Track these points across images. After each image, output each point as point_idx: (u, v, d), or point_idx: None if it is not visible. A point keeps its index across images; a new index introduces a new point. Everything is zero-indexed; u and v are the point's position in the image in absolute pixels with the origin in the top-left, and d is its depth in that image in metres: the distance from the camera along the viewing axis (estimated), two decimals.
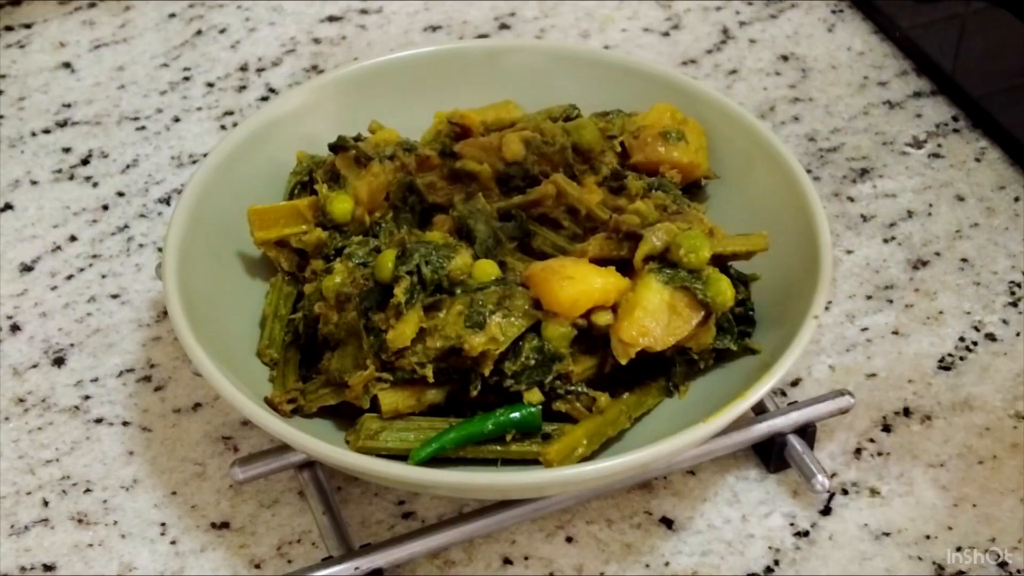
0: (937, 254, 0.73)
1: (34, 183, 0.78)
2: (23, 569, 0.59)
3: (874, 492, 0.62)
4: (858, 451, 0.63)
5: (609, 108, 0.68)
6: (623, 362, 0.58)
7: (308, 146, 0.67)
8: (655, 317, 0.57)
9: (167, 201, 0.77)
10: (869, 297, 0.71)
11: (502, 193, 0.63)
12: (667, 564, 0.59)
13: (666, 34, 0.88)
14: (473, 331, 0.56)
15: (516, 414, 0.57)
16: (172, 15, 0.90)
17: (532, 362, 0.57)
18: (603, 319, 0.57)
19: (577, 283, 0.57)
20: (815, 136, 0.80)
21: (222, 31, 0.89)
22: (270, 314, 0.62)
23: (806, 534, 0.60)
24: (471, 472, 0.57)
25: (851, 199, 0.76)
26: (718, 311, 0.59)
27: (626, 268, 0.59)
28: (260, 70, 0.86)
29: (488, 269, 0.58)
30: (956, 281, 0.71)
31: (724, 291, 0.58)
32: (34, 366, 0.68)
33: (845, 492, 0.62)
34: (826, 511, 0.61)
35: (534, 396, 0.58)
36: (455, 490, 0.58)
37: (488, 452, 0.58)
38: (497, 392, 0.58)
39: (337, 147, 0.65)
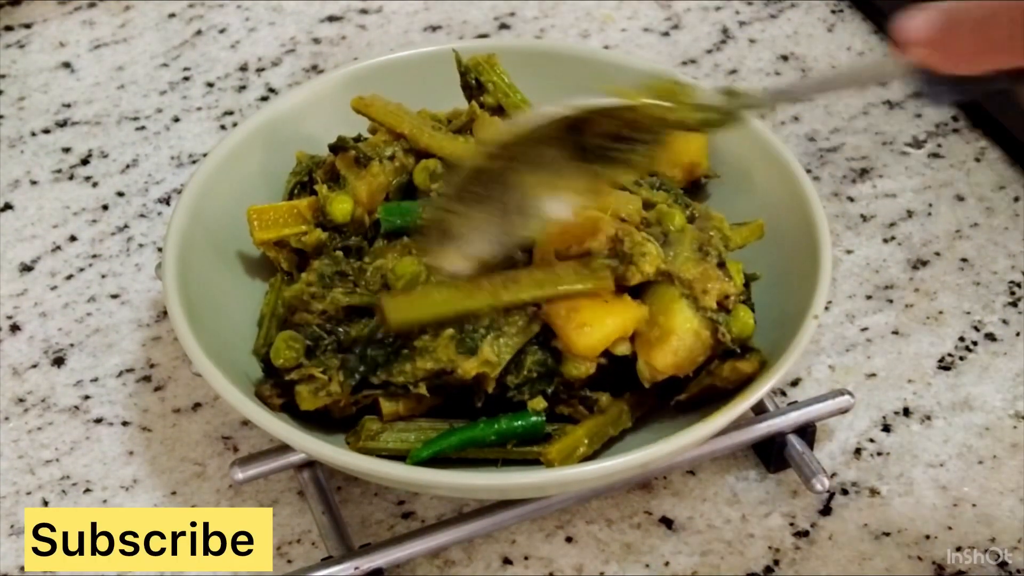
0: (937, 254, 0.73)
1: (34, 183, 0.78)
2: (23, 569, 0.59)
3: (874, 492, 0.62)
4: (858, 451, 0.63)
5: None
6: (647, 386, 0.58)
7: (308, 146, 0.67)
8: (686, 345, 0.57)
9: (167, 201, 0.77)
10: (869, 297, 0.71)
11: None
12: (667, 564, 0.59)
13: (666, 34, 0.88)
14: (465, 356, 0.56)
15: (520, 422, 0.57)
16: (172, 15, 0.90)
17: (535, 374, 0.57)
18: (622, 349, 0.57)
19: (594, 331, 0.56)
20: (815, 136, 0.80)
21: (222, 31, 0.89)
22: (267, 314, 0.62)
23: (806, 534, 0.60)
24: (471, 472, 0.57)
25: (851, 199, 0.76)
26: (740, 342, 0.59)
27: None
28: (260, 70, 0.86)
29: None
30: (956, 281, 0.71)
31: (746, 321, 0.59)
32: (34, 366, 0.68)
33: (845, 492, 0.62)
34: (826, 511, 0.61)
35: (538, 403, 0.57)
36: (455, 490, 0.58)
37: (488, 452, 0.58)
38: (500, 397, 0.58)
39: (337, 147, 0.65)
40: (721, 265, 0.59)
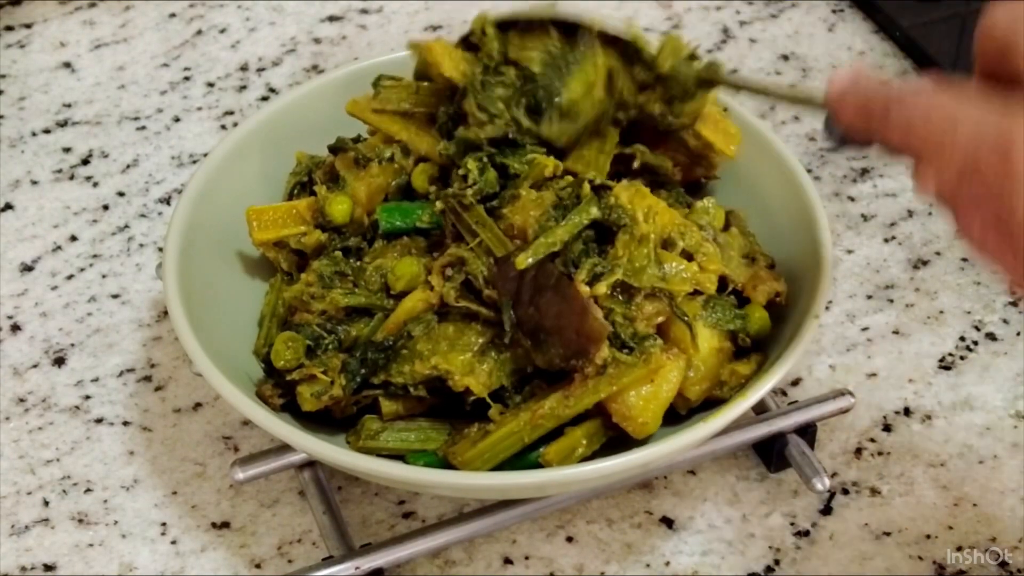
0: (937, 253, 0.73)
1: (34, 183, 0.79)
2: (23, 569, 0.59)
3: (874, 492, 0.62)
4: (858, 451, 0.63)
5: None
6: (683, 413, 0.58)
7: (308, 146, 0.67)
8: (711, 367, 0.57)
9: (167, 201, 0.77)
10: (869, 297, 0.71)
11: None
12: (667, 564, 0.59)
13: (666, 34, 0.88)
14: (460, 373, 0.56)
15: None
16: (172, 15, 0.90)
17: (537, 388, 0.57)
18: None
19: (652, 423, 0.55)
20: (816, 136, 0.80)
21: (222, 31, 0.89)
22: (268, 314, 0.62)
23: (806, 534, 0.60)
24: (471, 472, 0.57)
25: (851, 199, 0.76)
26: (756, 338, 0.59)
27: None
28: (260, 70, 0.86)
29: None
30: (956, 281, 0.71)
31: (763, 322, 0.59)
32: (34, 366, 0.68)
33: (845, 492, 0.62)
34: (826, 511, 0.61)
35: None
36: (455, 490, 0.58)
37: None
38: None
39: (336, 148, 0.64)
40: (772, 267, 0.60)
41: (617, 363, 0.54)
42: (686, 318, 0.57)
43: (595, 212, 0.56)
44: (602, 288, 0.55)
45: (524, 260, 0.55)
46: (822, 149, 0.76)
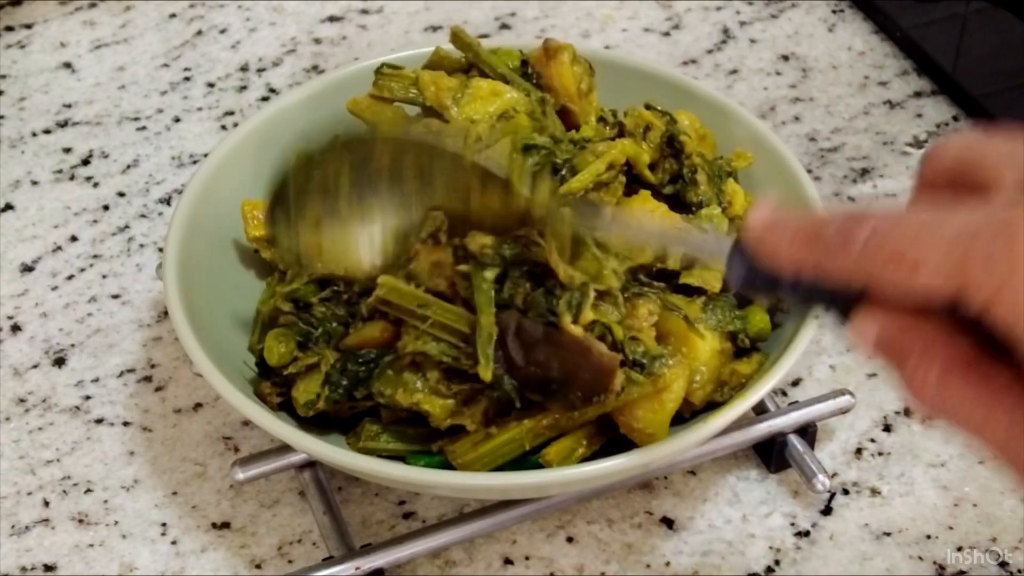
0: None
1: (35, 183, 0.79)
2: (24, 569, 0.59)
3: (875, 492, 0.62)
4: (859, 451, 0.63)
5: (609, 108, 0.68)
6: (686, 416, 0.57)
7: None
8: (713, 369, 0.57)
9: (167, 201, 0.77)
10: None
11: None
12: (668, 564, 0.59)
13: (666, 34, 0.88)
14: (440, 417, 0.56)
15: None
16: (172, 15, 0.90)
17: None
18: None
19: (659, 433, 0.55)
20: (816, 136, 0.80)
21: (222, 31, 0.89)
22: (263, 311, 0.62)
23: (807, 534, 0.60)
24: (472, 472, 0.57)
25: (852, 199, 0.76)
26: (756, 339, 0.59)
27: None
28: (260, 70, 0.86)
29: None
30: None
31: (763, 324, 0.59)
32: (35, 366, 0.68)
33: (846, 492, 0.62)
34: (827, 511, 0.61)
35: None
36: (456, 490, 0.58)
37: None
38: None
39: None
40: None
41: (630, 382, 0.54)
42: (681, 312, 0.56)
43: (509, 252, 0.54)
44: (588, 315, 0.53)
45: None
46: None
